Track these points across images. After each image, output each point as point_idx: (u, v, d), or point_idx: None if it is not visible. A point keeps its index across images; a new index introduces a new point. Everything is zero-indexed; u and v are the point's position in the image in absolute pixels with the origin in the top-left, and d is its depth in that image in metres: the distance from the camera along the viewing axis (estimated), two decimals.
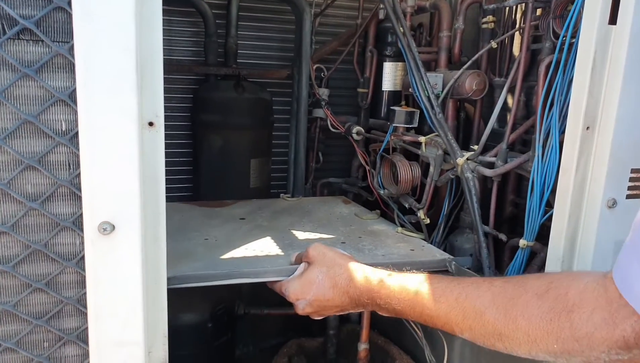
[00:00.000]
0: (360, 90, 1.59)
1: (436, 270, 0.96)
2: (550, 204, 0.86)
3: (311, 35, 1.64)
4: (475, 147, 1.06)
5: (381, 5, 1.42)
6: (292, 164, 1.72)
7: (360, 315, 1.33)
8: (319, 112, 1.65)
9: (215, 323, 1.26)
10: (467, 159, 1.03)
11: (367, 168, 1.42)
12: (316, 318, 0.83)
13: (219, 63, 1.67)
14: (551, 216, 0.82)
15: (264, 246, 0.99)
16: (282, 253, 0.96)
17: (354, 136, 1.48)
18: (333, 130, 1.59)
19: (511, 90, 1.08)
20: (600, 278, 0.55)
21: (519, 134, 1.03)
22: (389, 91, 1.54)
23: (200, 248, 0.96)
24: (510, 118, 1.02)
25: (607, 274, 0.54)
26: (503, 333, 0.60)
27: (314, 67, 1.65)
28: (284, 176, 1.77)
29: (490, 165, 1.01)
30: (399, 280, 0.72)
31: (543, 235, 0.88)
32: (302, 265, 0.83)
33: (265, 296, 1.38)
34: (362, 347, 1.12)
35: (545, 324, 0.56)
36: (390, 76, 1.54)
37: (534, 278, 0.62)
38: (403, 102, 1.36)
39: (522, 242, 0.89)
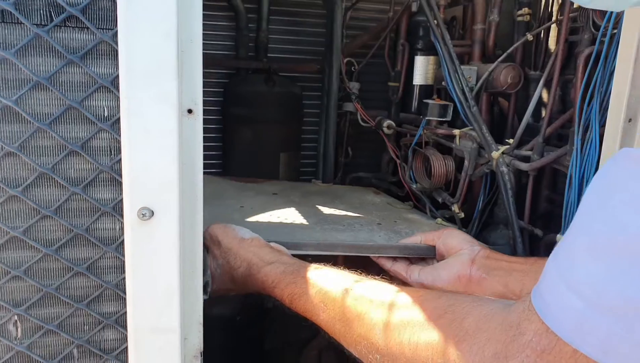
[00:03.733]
0: (391, 84, 1.57)
1: None
2: None
3: (342, 28, 1.63)
4: (511, 141, 1.04)
5: None
6: (321, 159, 1.72)
7: None
8: (349, 106, 1.64)
9: (244, 316, 1.27)
10: (503, 153, 1.01)
11: (398, 162, 1.41)
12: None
13: (249, 57, 1.68)
14: None
15: (301, 219, 0.98)
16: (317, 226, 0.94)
17: (385, 130, 1.47)
18: (363, 124, 1.58)
19: (547, 84, 1.05)
20: (504, 303, 0.47)
21: (555, 128, 1.00)
22: (420, 85, 1.52)
23: (237, 215, 0.96)
24: (546, 112, 1.00)
25: (521, 300, 0.44)
26: (385, 357, 0.52)
27: (345, 60, 1.65)
28: (313, 170, 1.77)
29: (526, 159, 0.99)
30: (288, 277, 0.67)
31: None
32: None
33: None
34: None
35: (430, 353, 0.48)
36: (422, 70, 1.52)
37: (436, 297, 0.53)
38: (435, 96, 1.35)
39: (559, 237, 0.87)
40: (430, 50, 1.44)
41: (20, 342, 0.56)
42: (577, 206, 0.89)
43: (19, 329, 0.56)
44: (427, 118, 1.23)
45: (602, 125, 0.79)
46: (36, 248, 0.54)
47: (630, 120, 0.73)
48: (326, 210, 1.08)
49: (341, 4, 1.62)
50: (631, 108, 0.73)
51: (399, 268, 0.81)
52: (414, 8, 1.43)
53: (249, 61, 1.68)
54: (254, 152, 1.62)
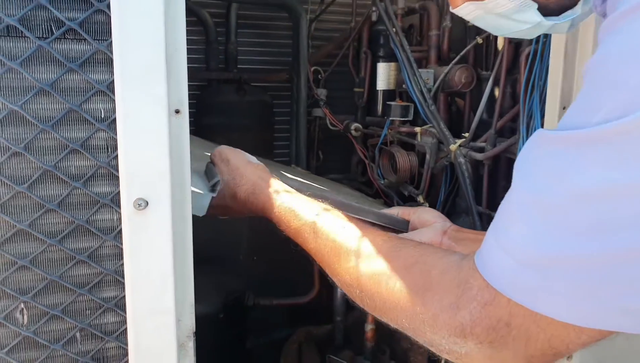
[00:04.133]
0: (356, 89, 1.67)
1: None
2: None
3: (308, 39, 1.72)
4: (466, 134, 1.14)
5: (374, 8, 1.51)
6: (293, 163, 1.80)
7: None
8: (318, 112, 1.73)
9: (226, 314, 1.32)
10: (460, 145, 1.11)
11: (367, 161, 1.50)
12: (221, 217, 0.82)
13: (220, 69, 1.75)
14: None
15: (289, 179, 0.99)
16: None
17: (353, 132, 1.56)
18: (332, 128, 1.67)
19: (496, 82, 1.16)
20: (461, 257, 0.52)
21: (506, 121, 1.11)
22: (383, 90, 1.61)
23: None
24: (497, 107, 1.10)
25: (469, 254, 0.51)
26: (365, 294, 0.58)
27: (312, 69, 1.73)
28: None
29: (481, 150, 1.09)
30: (289, 202, 0.70)
31: None
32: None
33: (273, 286, 1.45)
34: (369, 327, 1.19)
35: (400, 297, 0.53)
36: (384, 75, 1.62)
37: (412, 245, 0.58)
38: (398, 99, 1.44)
39: None
40: (390, 57, 1.54)
41: (26, 328, 0.61)
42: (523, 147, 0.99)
43: (25, 316, 0.61)
44: (390, 118, 1.33)
45: (543, 114, 0.90)
46: (41, 239, 0.60)
47: (564, 108, 0.83)
48: (309, 182, 1.13)
49: (305, 16, 1.71)
50: (565, 97, 0.83)
51: None
52: (374, 18, 1.53)
53: (220, 73, 1.74)
54: None
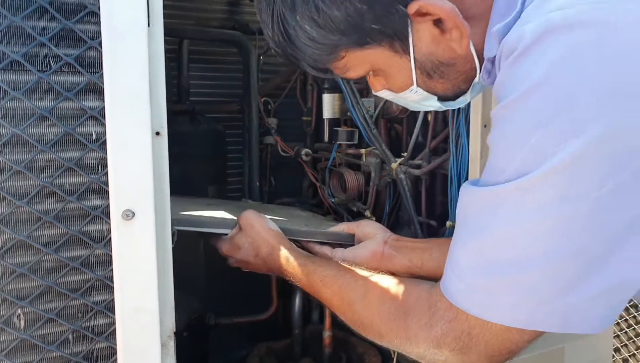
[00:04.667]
0: (304, 118, 1.80)
1: None
2: None
3: (257, 73, 1.84)
4: (405, 154, 1.28)
5: None
6: (246, 189, 1.89)
7: (321, 312, 1.49)
8: (270, 140, 1.84)
9: (190, 333, 1.37)
10: (400, 164, 1.25)
11: (318, 184, 1.62)
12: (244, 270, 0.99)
13: (173, 101, 1.83)
14: None
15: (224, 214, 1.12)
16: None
17: (303, 157, 1.68)
18: (283, 154, 1.78)
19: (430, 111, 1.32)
20: (431, 286, 0.68)
21: (438, 141, 1.26)
22: (329, 119, 1.75)
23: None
24: (430, 129, 1.26)
25: (437, 283, 0.66)
26: (365, 325, 0.73)
27: (262, 100, 1.85)
28: (240, 197, 1.93)
29: (418, 167, 1.23)
30: (301, 264, 0.87)
31: None
32: (236, 229, 0.97)
33: (232, 306, 1.51)
34: (327, 334, 1.28)
35: (390, 323, 0.68)
36: (329, 105, 1.76)
37: (395, 281, 0.74)
38: (343, 125, 1.58)
39: (449, 223, 1.11)
40: (335, 88, 1.68)
41: (23, 332, 0.67)
42: (458, 199, 1.14)
43: (22, 321, 0.67)
44: (338, 143, 1.46)
45: (469, 133, 1.05)
46: (38, 249, 0.66)
47: (485, 126, 0.99)
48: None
49: (255, 50, 1.84)
50: (485, 117, 0.99)
51: (326, 250, 1.00)
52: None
53: (173, 104, 1.82)
54: (184, 187, 1.75)
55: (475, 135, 1.01)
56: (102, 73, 0.67)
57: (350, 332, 1.46)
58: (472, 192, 0.60)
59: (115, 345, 0.72)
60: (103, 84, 0.67)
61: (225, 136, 1.89)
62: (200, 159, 1.79)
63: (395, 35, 0.63)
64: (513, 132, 0.54)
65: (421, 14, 0.61)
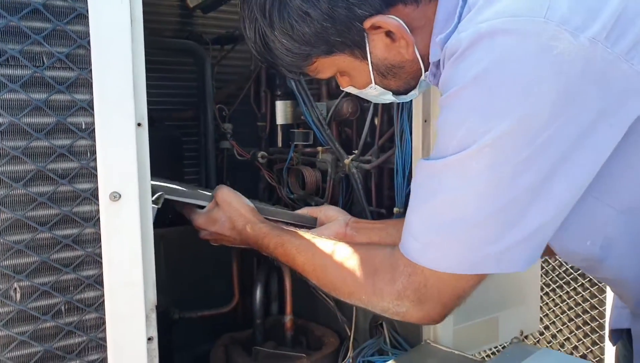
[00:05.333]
0: (259, 123, 1.90)
1: None
2: (409, 181, 1.23)
3: (212, 81, 1.93)
4: (356, 151, 1.41)
5: None
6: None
7: (280, 303, 1.58)
8: (225, 144, 1.92)
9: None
10: (352, 159, 1.38)
11: (276, 185, 1.72)
12: (212, 244, 1.09)
13: None
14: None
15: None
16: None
17: (260, 160, 1.78)
18: (240, 158, 1.87)
19: (376, 111, 1.46)
20: (392, 248, 0.79)
21: (385, 139, 1.40)
22: (282, 124, 1.86)
23: None
24: (377, 128, 1.39)
25: (397, 245, 0.78)
26: (336, 285, 0.85)
27: (217, 106, 1.94)
28: None
29: (368, 162, 1.37)
30: (276, 235, 0.98)
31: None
32: (212, 203, 1.07)
33: (194, 301, 1.57)
34: (288, 318, 1.37)
35: (359, 281, 0.80)
36: (282, 111, 1.86)
37: (362, 247, 0.87)
38: (299, 128, 1.70)
39: (396, 209, 1.24)
40: (287, 95, 1.79)
41: (20, 304, 0.73)
42: (404, 187, 1.27)
43: (19, 294, 0.73)
44: (295, 143, 1.57)
45: (411, 129, 1.19)
46: (34, 227, 0.73)
47: (425, 121, 1.14)
48: None
49: (209, 60, 1.92)
50: (425, 113, 1.13)
51: (291, 230, 1.11)
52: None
53: None
54: None
55: (417, 130, 1.15)
56: (91, 69, 0.75)
57: (308, 319, 1.56)
58: (424, 165, 0.74)
59: (104, 315, 0.78)
60: (92, 78, 0.75)
61: (182, 142, 1.96)
62: (157, 165, 1.85)
63: (355, 45, 0.78)
64: (453, 117, 0.68)
65: (374, 27, 0.76)
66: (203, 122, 1.94)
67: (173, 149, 1.91)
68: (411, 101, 1.19)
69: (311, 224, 1.13)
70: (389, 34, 0.77)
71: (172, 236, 1.47)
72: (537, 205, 0.66)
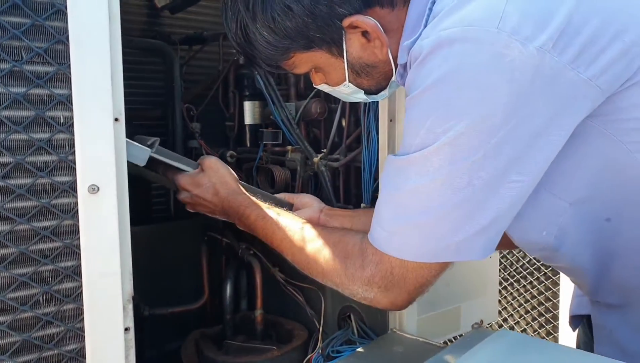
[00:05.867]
0: (227, 123, 1.92)
1: None
2: (375, 178, 1.28)
3: (181, 80, 1.94)
4: (324, 150, 1.46)
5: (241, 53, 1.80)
6: (172, 191, 1.96)
7: (249, 300, 1.61)
8: (194, 143, 1.93)
9: None
10: (321, 158, 1.43)
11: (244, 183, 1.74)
12: (188, 209, 1.11)
13: None
14: (377, 185, 1.24)
15: None
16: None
17: (228, 159, 1.80)
18: None
19: (344, 111, 1.51)
20: (363, 235, 0.84)
21: (352, 139, 1.45)
22: (250, 124, 1.89)
23: None
24: (345, 128, 1.44)
25: (366, 235, 0.83)
26: (310, 265, 0.89)
27: (185, 106, 1.95)
28: (164, 200, 1.99)
29: (336, 160, 1.41)
30: (259, 207, 1.01)
31: (375, 198, 1.29)
32: (198, 169, 1.09)
33: (163, 297, 1.58)
34: (258, 312, 1.40)
35: (332, 264, 0.85)
36: (250, 112, 1.89)
37: (337, 231, 0.93)
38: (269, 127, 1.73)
39: (363, 205, 1.30)
40: (255, 96, 1.82)
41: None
42: (371, 184, 1.32)
43: None
44: (264, 142, 1.60)
45: (378, 128, 1.25)
46: (12, 219, 0.74)
47: (391, 120, 1.19)
48: None
49: (178, 60, 1.94)
50: (391, 113, 1.19)
51: None
52: (242, 61, 1.82)
53: None
54: None
55: (384, 129, 1.21)
56: (70, 64, 0.77)
57: (277, 314, 1.60)
58: (392, 161, 0.79)
59: (82, 306, 0.80)
60: (70, 73, 0.77)
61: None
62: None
63: (333, 42, 0.83)
64: (416, 117, 0.74)
65: (352, 26, 0.81)
66: (171, 121, 1.94)
67: None
68: (376, 103, 1.25)
69: (287, 208, 1.17)
70: (365, 34, 0.82)
71: (141, 235, 1.48)
72: (493, 199, 0.72)
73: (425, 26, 0.76)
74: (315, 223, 1.08)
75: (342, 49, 0.84)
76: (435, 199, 0.73)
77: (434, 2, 0.76)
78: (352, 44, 0.84)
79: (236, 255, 1.55)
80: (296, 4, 0.78)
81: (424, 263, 0.77)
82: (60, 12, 0.76)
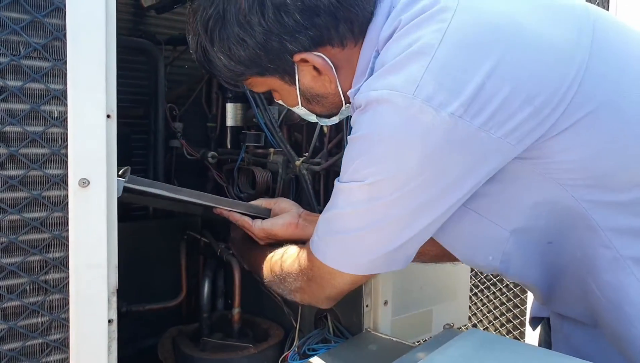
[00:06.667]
0: (209, 124, 1.94)
1: None
2: None
3: (164, 79, 1.95)
4: (306, 154, 1.50)
5: None
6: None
7: (226, 299, 1.63)
8: (175, 143, 1.95)
9: None
10: (302, 161, 1.46)
11: (225, 185, 1.77)
12: (259, 239, 1.20)
13: None
14: None
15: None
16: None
17: (210, 159, 1.82)
18: (189, 157, 1.90)
19: None
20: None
21: (333, 144, 1.50)
22: (231, 126, 1.91)
23: None
24: (327, 134, 1.49)
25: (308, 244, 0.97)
26: (282, 277, 1.03)
27: (168, 106, 1.96)
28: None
29: (318, 164, 1.45)
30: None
31: None
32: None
33: (141, 294, 1.59)
34: (236, 311, 1.43)
35: (295, 274, 0.99)
36: (232, 114, 1.92)
37: (292, 250, 1.05)
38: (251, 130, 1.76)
39: None
40: (237, 98, 1.85)
41: None
42: None
43: None
44: (246, 144, 1.63)
45: None
46: (3, 209, 0.75)
47: None
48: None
49: (162, 59, 1.95)
50: None
51: (247, 219, 1.18)
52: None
53: None
54: None
55: None
56: (66, 60, 0.79)
57: (255, 314, 1.62)
58: (335, 183, 0.88)
59: (68, 296, 0.82)
60: (66, 69, 0.79)
61: (130, 139, 1.96)
62: None
63: (285, 72, 0.90)
64: (348, 156, 0.83)
65: (303, 61, 0.86)
66: (154, 120, 1.95)
67: (121, 146, 1.90)
68: None
69: (265, 215, 1.20)
70: (315, 68, 0.89)
71: (121, 231, 1.49)
72: (404, 231, 0.82)
73: (369, 76, 0.83)
74: (294, 228, 1.13)
75: (295, 78, 0.90)
76: (353, 225, 0.84)
77: (377, 55, 0.83)
78: (304, 75, 0.90)
79: (214, 254, 1.57)
80: (250, 38, 0.84)
81: (336, 270, 0.89)
82: (59, 10, 0.78)
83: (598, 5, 1.45)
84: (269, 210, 1.21)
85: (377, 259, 0.85)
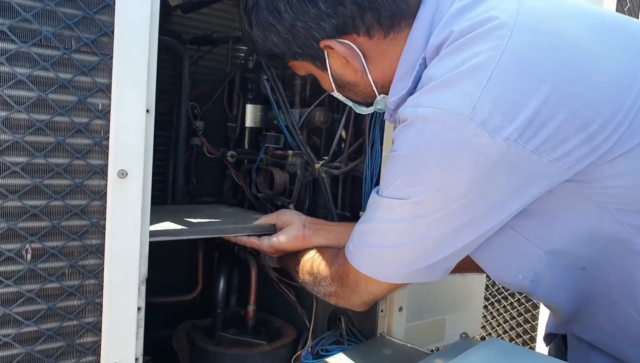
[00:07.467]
0: (230, 124, 1.98)
1: None
2: None
3: (188, 78, 1.99)
4: (326, 157, 1.53)
5: (250, 58, 1.87)
6: (170, 186, 2.00)
7: (239, 296, 1.66)
8: (196, 141, 1.99)
9: None
10: (322, 164, 1.50)
11: (242, 183, 1.80)
12: (271, 255, 1.24)
13: None
14: None
15: (173, 225, 1.27)
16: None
17: (229, 158, 1.85)
18: (209, 156, 1.94)
19: (347, 121, 1.59)
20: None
21: (354, 148, 1.53)
22: (251, 127, 1.95)
23: None
24: (347, 138, 1.52)
25: (342, 251, 0.99)
26: (317, 281, 1.06)
27: (190, 104, 2.00)
28: (163, 194, 2.03)
29: (337, 168, 1.48)
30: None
31: None
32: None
33: (155, 288, 1.62)
34: (251, 307, 1.46)
35: (329, 279, 1.03)
36: (252, 115, 1.95)
37: (335, 252, 1.08)
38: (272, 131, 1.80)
39: (361, 213, 1.36)
40: (257, 100, 1.88)
41: (30, 264, 0.78)
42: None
43: (29, 255, 0.78)
44: (266, 145, 1.67)
45: (382, 140, 1.32)
46: (49, 194, 0.79)
47: None
48: (192, 218, 1.40)
49: (187, 58, 1.99)
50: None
51: (254, 239, 1.23)
52: (251, 65, 1.88)
53: None
54: None
55: (388, 142, 1.28)
56: (112, 56, 0.82)
57: (268, 313, 1.65)
58: (373, 194, 0.90)
59: (102, 282, 0.85)
60: (112, 64, 0.83)
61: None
62: None
63: (315, 58, 0.93)
64: (390, 172, 0.84)
65: (329, 48, 0.89)
66: (176, 117, 1.99)
67: None
68: (384, 113, 1.32)
69: (270, 231, 1.24)
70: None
71: None
72: (443, 247, 0.83)
73: (414, 85, 0.84)
74: (300, 240, 1.17)
75: (326, 64, 0.93)
76: (392, 241, 0.85)
77: (424, 62, 0.82)
78: (335, 62, 0.92)
79: (231, 252, 1.60)
80: (278, 24, 0.87)
81: (371, 278, 0.91)
82: (109, 7, 0.82)
83: None
84: (273, 225, 1.25)
85: (417, 271, 0.86)
